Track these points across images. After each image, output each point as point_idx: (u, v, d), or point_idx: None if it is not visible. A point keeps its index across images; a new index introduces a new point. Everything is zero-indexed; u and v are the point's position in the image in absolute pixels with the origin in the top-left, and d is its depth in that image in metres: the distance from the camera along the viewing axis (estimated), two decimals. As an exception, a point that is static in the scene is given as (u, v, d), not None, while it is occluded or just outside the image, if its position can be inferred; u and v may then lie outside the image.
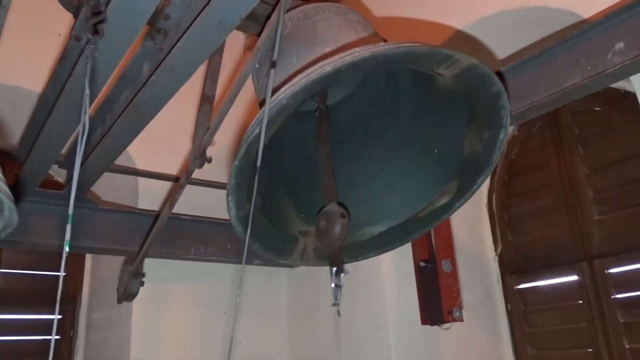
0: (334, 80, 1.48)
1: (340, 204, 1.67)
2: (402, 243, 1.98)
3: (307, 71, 1.38)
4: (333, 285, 1.62)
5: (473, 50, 2.93)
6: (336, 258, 1.65)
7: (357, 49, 1.36)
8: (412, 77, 1.77)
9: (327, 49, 1.63)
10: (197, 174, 2.31)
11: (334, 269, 1.63)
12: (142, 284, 2.89)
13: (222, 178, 3.18)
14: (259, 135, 1.40)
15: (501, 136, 1.63)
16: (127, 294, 2.88)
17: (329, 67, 1.33)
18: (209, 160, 2.18)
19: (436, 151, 1.86)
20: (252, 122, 1.44)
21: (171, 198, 2.48)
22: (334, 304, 1.61)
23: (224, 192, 1.57)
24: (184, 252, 3.01)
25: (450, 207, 1.87)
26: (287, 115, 1.49)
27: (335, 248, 1.64)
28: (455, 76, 1.52)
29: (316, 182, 1.90)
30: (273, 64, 1.47)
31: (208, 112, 2.21)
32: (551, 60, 1.97)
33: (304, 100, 1.46)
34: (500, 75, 2.06)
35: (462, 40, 2.87)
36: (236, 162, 1.46)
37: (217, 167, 3.39)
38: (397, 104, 1.92)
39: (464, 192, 1.83)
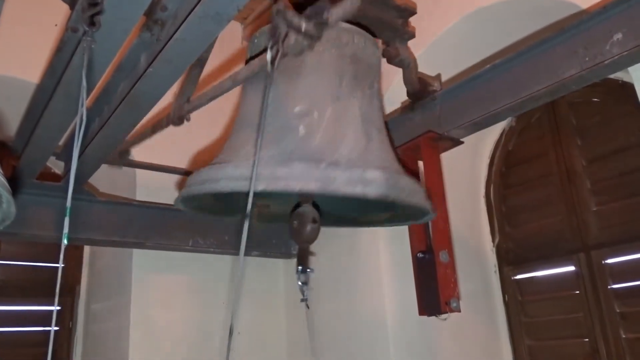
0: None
1: (315, 206, 1.75)
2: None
3: (232, 172, 1.59)
4: (299, 283, 1.73)
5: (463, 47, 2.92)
6: (302, 258, 1.75)
7: (294, 178, 1.48)
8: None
9: (297, 109, 1.73)
10: (191, 166, 2.31)
11: (299, 267, 1.73)
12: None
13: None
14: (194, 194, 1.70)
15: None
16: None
17: (260, 186, 1.47)
18: (188, 119, 2.21)
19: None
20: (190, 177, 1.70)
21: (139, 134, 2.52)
22: (303, 300, 1.72)
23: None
24: (182, 244, 3.01)
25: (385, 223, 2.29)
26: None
27: (303, 249, 1.73)
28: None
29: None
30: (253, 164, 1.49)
31: (197, 74, 2.21)
32: (549, 51, 1.97)
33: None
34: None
35: (460, 34, 2.87)
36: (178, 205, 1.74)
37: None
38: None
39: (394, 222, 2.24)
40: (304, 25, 1.40)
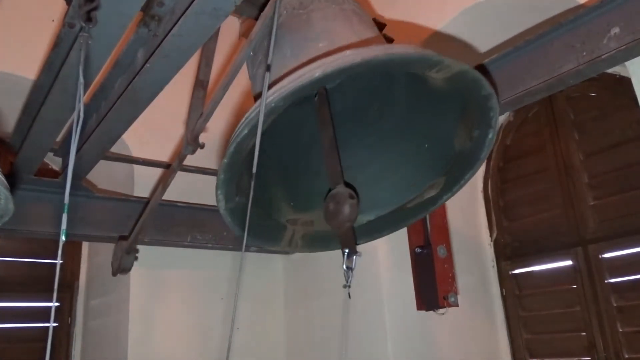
0: (323, 83, 1.49)
1: (348, 185, 1.68)
2: (390, 231, 2.02)
3: (297, 73, 1.39)
4: (345, 267, 1.62)
5: (466, 40, 2.92)
6: (347, 239, 1.65)
7: (347, 52, 1.36)
8: (406, 74, 1.78)
9: (320, 45, 1.63)
10: (192, 160, 2.31)
11: (346, 250, 1.63)
12: (136, 259, 2.93)
13: (217, 165, 3.18)
14: (247, 134, 1.43)
15: (490, 136, 1.67)
16: (121, 269, 2.92)
17: (319, 72, 1.34)
18: (202, 147, 2.18)
19: (427, 146, 1.89)
20: (242, 121, 1.45)
21: (163, 183, 2.48)
22: (345, 286, 1.61)
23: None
24: (180, 240, 3.01)
25: (438, 199, 1.92)
26: (278, 114, 1.50)
27: (345, 229, 1.64)
28: (447, 79, 1.55)
29: (307, 169, 1.92)
30: (268, 67, 1.46)
31: (202, 97, 2.20)
32: (547, 46, 1.97)
33: (294, 101, 1.47)
34: (485, 70, 2.08)
35: (459, 31, 2.86)
36: (225, 160, 1.48)
37: (212, 153, 3.39)
38: (391, 96, 1.93)
39: (451, 186, 1.88)
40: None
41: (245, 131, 1.42)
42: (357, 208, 1.62)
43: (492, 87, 1.55)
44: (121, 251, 2.87)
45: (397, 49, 1.41)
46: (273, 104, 1.39)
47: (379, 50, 1.39)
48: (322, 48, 1.62)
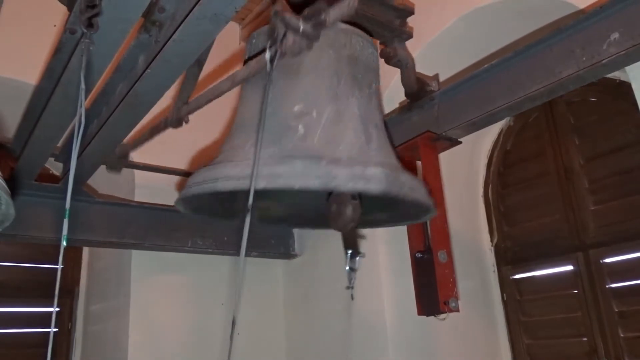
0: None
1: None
2: None
3: (227, 171, 1.58)
4: (347, 268, 1.64)
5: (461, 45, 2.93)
6: (351, 241, 1.67)
7: (293, 175, 1.49)
8: None
9: (296, 108, 1.72)
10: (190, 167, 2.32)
11: (349, 251, 1.65)
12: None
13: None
14: (193, 194, 1.68)
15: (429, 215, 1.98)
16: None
17: (230, 185, 1.47)
18: (187, 121, 2.21)
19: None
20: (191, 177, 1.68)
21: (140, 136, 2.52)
22: (348, 287, 1.64)
23: (220, 184, 1.60)
24: (181, 245, 3.01)
25: (379, 223, 2.23)
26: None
27: (349, 230, 1.65)
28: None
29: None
30: (247, 210, 1.46)
31: (195, 76, 2.21)
32: (547, 51, 1.98)
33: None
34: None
35: (460, 33, 2.87)
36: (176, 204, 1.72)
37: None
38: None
39: (391, 222, 2.21)
40: (301, 27, 1.41)
41: (188, 196, 1.71)
42: (360, 209, 1.64)
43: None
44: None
45: (340, 179, 1.54)
46: (194, 192, 1.65)
47: (315, 180, 1.51)
48: (296, 110, 1.71)
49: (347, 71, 1.82)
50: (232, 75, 1.75)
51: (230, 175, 1.57)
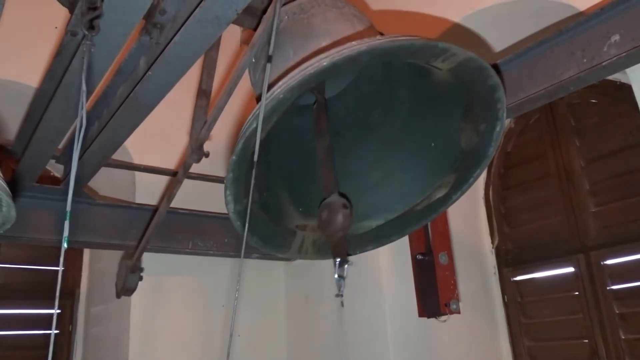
0: (330, 74, 1.48)
1: (342, 195, 1.68)
2: (399, 236, 1.99)
3: (303, 65, 1.38)
4: (336, 276, 1.63)
5: (470, 42, 2.93)
6: (339, 249, 1.65)
7: (353, 42, 1.36)
8: (409, 70, 1.76)
9: (324, 43, 1.63)
10: (194, 168, 2.31)
11: (337, 260, 1.63)
12: (140, 278, 2.89)
13: (220, 172, 3.19)
14: (256, 129, 1.40)
15: (497, 129, 1.64)
16: (125, 289, 2.88)
17: (326, 61, 1.32)
18: (207, 155, 2.18)
19: (433, 144, 1.85)
20: (249, 117, 1.44)
21: (169, 193, 2.48)
22: (338, 295, 1.62)
23: (221, 186, 1.57)
24: (182, 247, 3.01)
25: (446, 201, 1.88)
26: (284, 110, 1.49)
27: (338, 239, 1.64)
28: (452, 69, 1.52)
29: (314, 175, 1.90)
30: (269, 59, 1.47)
31: (205, 106, 2.21)
32: (547, 53, 1.98)
33: (301, 94, 1.46)
34: (496, 67, 2.07)
35: (460, 32, 2.87)
36: (234, 157, 1.46)
37: (215, 161, 3.38)
38: (394, 96, 1.91)
39: (460, 185, 1.84)
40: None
41: (254, 125, 1.40)
42: (350, 218, 1.63)
43: (500, 79, 1.54)
44: (125, 270, 2.85)
45: (403, 37, 1.40)
46: (281, 95, 1.38)
47: (385, 39, 1.39)
48: (325, 46, 1.62)
49: (356, 21, 1.74)
50: (249, 45, 1.69)
51: (335, 50, 1.37)
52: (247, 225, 1.39)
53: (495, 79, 1.53)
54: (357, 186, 1.92)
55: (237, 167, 1.51)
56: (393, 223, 1.95)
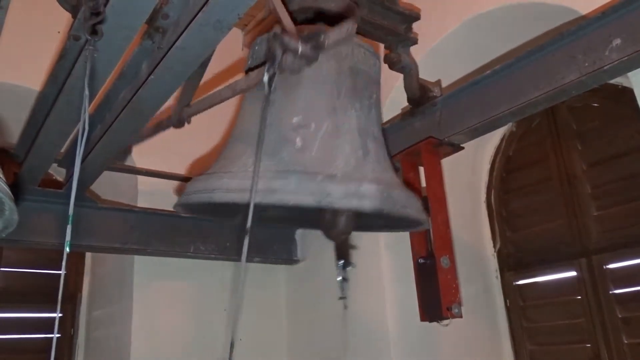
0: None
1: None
2: None
3: (225, 183, 1.60)
4: (340, 278, 1.65)
5: (471, 46, 2.93)
6: (343, 251, 1.68)
7: (288, 191, 1.51)
8: None
9: (294, 120, 1.72)
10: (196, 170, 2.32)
11: (341, 262, 1.65)
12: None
13: (221, 176, 3.19)
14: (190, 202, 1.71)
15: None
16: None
17: (236, 199, 1.49)
18: (189, 122, 2.21)
19: None
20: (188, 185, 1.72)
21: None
22: (341, 298, 1.64)
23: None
24: (183, 250, 3.01)
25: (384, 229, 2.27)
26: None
27: (342, 241, 1.66)
28: None
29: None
30: (246, 231, 1.46)
31: (197, 79, 2.22)
32: (548, 57, 1.98)
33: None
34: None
35: (460, 37, 2.88)
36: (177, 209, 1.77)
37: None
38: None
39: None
40: (300, 48, 1.42)
41: (185, 203, 1.76)
42: (353, 220, 1.65)
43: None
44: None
45: (335, 197, 1.55)
46: (190, 201, 1.70)
47: (308, 197, 1.51)
48: (295, 122, 1.72)
49: (348, 83, 1.82)
50: (232, 85, 1.76)
51: (228, 188, 1.59)
52: (248, 227, 1.40)
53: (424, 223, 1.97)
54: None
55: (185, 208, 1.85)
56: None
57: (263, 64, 1.47)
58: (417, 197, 1.88)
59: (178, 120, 2.19)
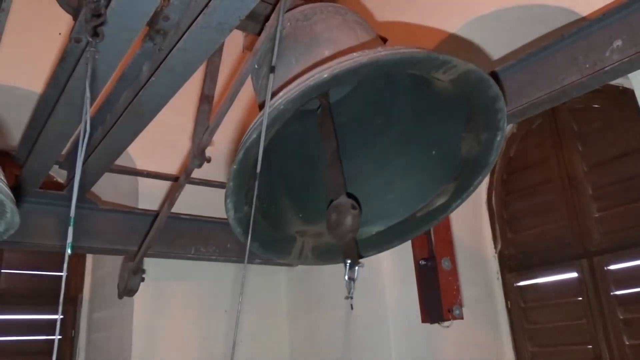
0: (332, 85, 1.49)
1: (350, 196, 1.68)
2: (400, 242, 2.00)
3: (304, 76, 1.38)
4: (347, 277, 1.62)
5: (472, 49, 2.94)
6: (349, 250, 1.65)
7: (354, 54, 1.36)
8: (411, 79, 1.77)
9: (326, 51, 1.64)
10: (196, 173, 2.32)
11: (348, 261, 1.63)
12: (142, 280, 2.92)
13: (222, 177, 3.19)
14: (256, 139, 1.41)
15: (498, 138, 1.65)
16: (127, 290, 2.90)
17: (327, 73, 1.33)
18: (208, 160, 2.20)
19: (434, 152, 1.87)
20: (250, 126, 1.45)
21: (170, 197, 2.48)
22: (347, 297, 1.61)
23: (223, 191, 1.58)
24: (184, 252, 3.01)
25: (447, 207, 1.89)
26: (287, 118, 1.50)
27: (348, 240, 1.63)
28: (453, 80, 1.53)
29: (314, 181, 1.91)
30: (272, 69, 1.47)
31: (207, 111, 2.22)
32: (549, 58, 1.98)
33: (303, 104, 1.46)
34: (495, 76, 2.07)
35: (462, 39, 2.88)
36: (234, 166, 1.46)
37: (217, 167, 3.40)
38: (396, 104, 1.92)
39: (461, 192, 1.85)
40: None
41: (254, 135, 1.41)
42: (359, 218, 1.62)
43: (500, 89, 1.55)
44: (127, 272, 2.86)
45: (404, 50, 1.41)
46: (282, 107, 1.38)
47: (386, 52, 1.39)
48: (327, 54, 1.63)
49: (359, 29, 1.75)
50: (252, 52, 1.72)
51: (328, 66, 1.37)
52: (250, 231, 1.39)
53: (496, 89, 1.53)
54: (359, 192, 1.92)
55: (238, 176, 1.52)
56: (394, 229, 1.96)
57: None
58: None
59: (200, 152, 2.16)
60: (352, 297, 1.61)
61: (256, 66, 1.75)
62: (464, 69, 1.46)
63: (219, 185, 3.16)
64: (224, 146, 3.51)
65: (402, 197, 1.95)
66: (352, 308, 1.72)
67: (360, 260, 1.70)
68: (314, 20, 1.67)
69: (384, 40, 2.02)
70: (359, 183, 1.95)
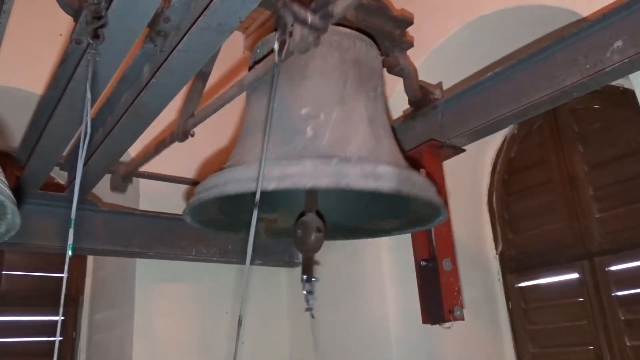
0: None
1: (318, 215, 1.75)
2: (345, 239, 2.48)
3: (237, 174, 1.60)
4: (304, 292, 1.73)
5: (472, 50, 2.93)
6: (307, 267, 1.75)
7: (303, 175, 1.50)
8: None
9: (303, 111, 1.73)
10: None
11: (305, 277, 1.73)
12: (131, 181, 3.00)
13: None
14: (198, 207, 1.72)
15: (440, 218, 1.96)
16: (113, 187, 2.95)
17: (242, 188, 1.52)
18: (192, 135, 2.25)
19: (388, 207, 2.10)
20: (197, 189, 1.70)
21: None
22: (307, 309, 1.72)
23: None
24: (185, 253, 3.01)
25: (389, 232, 2.27)
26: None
27: (307, 258, 1.72)
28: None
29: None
30: (255, 205, 1.44)
31: (200, 89, 2.23)
32: (550, 59, 1.98)
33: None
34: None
35: (462, 39, 2.88)
36: (188, 214, 1.76)
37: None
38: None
39: (403, 229, 2.20)
40: (309, 18, 1.43)
41: (196, 204, 1.71)
42: (322, 241, 1.71)
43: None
44: (118, 176, 2.89)
45: (352, 178, 1.57)
46: (202, 200, 1.66)
47: (325, 179, 1.53)
48: (305, 114, 1.74)
49: (353, 74, 1.83)
50: (239, 81, 1.76)
51: (240, 178, 1.56)
52: (251, 234, 1.40)
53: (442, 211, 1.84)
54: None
55: (196, 213, 1.81)
56: (344, 228, 2.27)
57: (270, 53, 1.48)
58: (433, 182, 1.86)
59: (183, 133, 2.20)
60: (312, 309, 1.72)
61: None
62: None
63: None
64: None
65: (352, 213, 2.22)
66: (312, 317, 1.83)
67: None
68: (310, 54, 1.62)
69: (407, 23, 2.08)
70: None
